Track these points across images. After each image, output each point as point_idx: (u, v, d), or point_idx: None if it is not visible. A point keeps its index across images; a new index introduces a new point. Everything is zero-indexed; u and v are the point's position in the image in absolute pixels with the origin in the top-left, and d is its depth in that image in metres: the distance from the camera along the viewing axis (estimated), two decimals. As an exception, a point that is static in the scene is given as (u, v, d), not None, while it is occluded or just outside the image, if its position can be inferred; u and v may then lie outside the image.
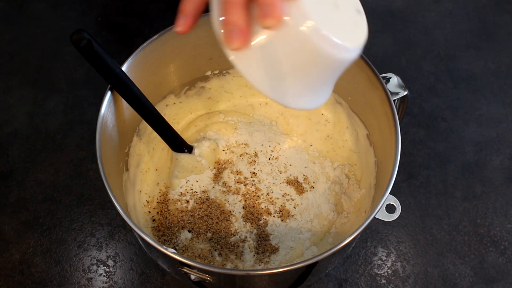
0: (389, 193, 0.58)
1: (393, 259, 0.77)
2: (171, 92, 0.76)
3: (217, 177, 0.75)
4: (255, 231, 0.71)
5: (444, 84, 0.92)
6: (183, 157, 0.73)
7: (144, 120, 0.66)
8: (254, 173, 0.75)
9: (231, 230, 0.70)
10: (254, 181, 0.74)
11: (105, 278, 0.74)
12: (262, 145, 0.78)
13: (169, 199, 0.73)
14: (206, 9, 0.69)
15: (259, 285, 0.60)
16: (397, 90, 0.68)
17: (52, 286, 0.74)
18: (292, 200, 0.73)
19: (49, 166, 0.83)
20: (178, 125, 0.79)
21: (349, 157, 0.76)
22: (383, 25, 0.99)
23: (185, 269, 0.55)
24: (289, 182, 0.75)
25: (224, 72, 0.78)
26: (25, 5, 1.01)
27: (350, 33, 0.50)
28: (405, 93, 0.69)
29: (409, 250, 0.77)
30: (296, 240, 0.70)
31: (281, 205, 0.73)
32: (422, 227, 0.79)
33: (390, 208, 0.62)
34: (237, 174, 0.75)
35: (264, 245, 0.70)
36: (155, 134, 0.76)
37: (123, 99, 0.64)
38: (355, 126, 0.75)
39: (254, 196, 0.73)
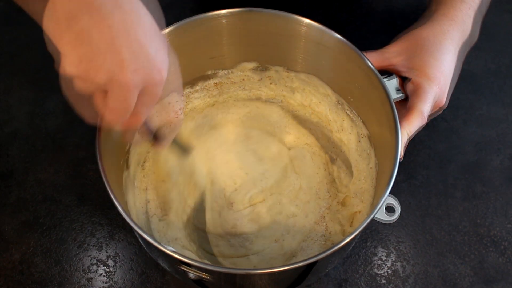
0: (389, 194, 0.58)
1: (393, 259, 0.76)
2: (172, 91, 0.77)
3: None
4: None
5: (444, 84, 0.92)
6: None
7: None
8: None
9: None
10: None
11: (105, 278, 0.74)
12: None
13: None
14: (206, 8, 0.69)
15: (258, 284, 0.60)
16: (398, 90, 0.69)
17: (52, 286, 0.74)
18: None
19: (49, 166, 0.83)
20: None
21: (350, 158, 0.76)
22: (383, 25, 0.99)
23: (184, 268, 0.55)
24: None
25: (225, 71, 0.78)
26: (25, 5, 1.00)
27: None
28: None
29: (409, 250, 0.77)
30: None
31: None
32: (422, 227, 0.79)
33: (389, 209, 0.62)
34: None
35: None
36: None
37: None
38: (356, 126, 0.75)
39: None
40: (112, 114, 0.49)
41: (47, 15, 0.45)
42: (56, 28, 0.45)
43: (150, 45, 0.47)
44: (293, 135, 0.80)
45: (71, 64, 0.45)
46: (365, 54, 0.67)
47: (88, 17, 0.43)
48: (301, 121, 0.80)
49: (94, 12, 0.43)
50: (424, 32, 0.68)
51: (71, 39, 0.44)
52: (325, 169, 0.77)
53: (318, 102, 0.78)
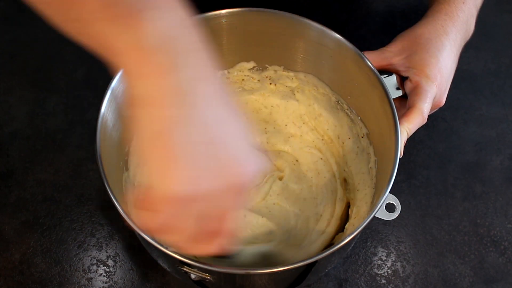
0: (389, 192, 0.58)
1: (393, 259, 0.76)
2: None
3: None
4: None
5: (444, 84, 0.92)
6: None
7: None
8: None
9: None
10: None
11: (105, 278, 0.74)
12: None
13: None
14: (205, 8, 0.69)
15: (258, 284, 0.60)
16: (397, 89, 0.69)
17: (52, 286, 0.74)
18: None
19: (49, 166, 0.83)
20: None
21: (349, 156, 0.76)
22: (383, 25, 0.99)
23: (186, 268, 0.55)
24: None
25: (224, 71, 0.78)
26: (25, 5, 1.00)
27: None
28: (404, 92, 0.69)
29: (409, 250, 0.77)
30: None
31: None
32: (422, 227, 0.79)
33: (390, 207, 0.62)
34: None
35: None
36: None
37: (122, 99, 0.65)
38: (355, 125, 0.75)
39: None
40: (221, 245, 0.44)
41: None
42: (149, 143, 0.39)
43: (247, 152, 0.41)
44: (297, 137, 0.80)
45: (177, 184, 0.38)
46: (364, 54, 0.67)
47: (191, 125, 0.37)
48: (304, 122, 0.80)
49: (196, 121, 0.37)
50: (426, 31, 0.68)
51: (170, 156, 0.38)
52: (328, 171, 0.77)
53: (318, 102, 0.78)
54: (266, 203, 0.74)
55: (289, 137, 0.80)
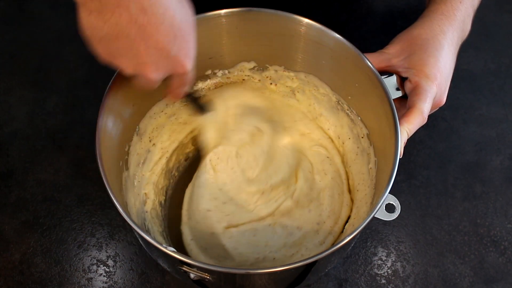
0: (389, 193, 0.58)
1: (393, 259, 0.76)
2: None
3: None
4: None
5: (444, 84, 0.92)
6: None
7: None
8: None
9: None
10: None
11: (105, 278, 0.74)
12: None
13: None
14: (205, 8, 0.69)
15: (258, 284, 0.60)
16: (397, 89, 0.69)
17: (52, 286, 0.74)
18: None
19: (49, 166, 0.83)
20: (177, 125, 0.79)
21: (349, 156, 0.76)
22: (383, 24, 0.99)
23: (185, 268, 0.55)
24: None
25: (224, 71, 0.78)
26: (25, 5, 1.01)
27: None
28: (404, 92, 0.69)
29: (409, 250, 0.77)
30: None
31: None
32: (422, 227, 0.79)
33: (389, 208, 0.62)
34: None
35: None
36: (156, 132, 0.76)
37: (122, 99, 0.65)
38: (355, 125, 0.75)
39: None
40: (139, 89, 0.56)
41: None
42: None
43: (171, 48, 0.51)
44: (306, 135, 0.80)
45: (101, 54, 0.51)
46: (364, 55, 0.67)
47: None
48: (309, 120, 0.80)
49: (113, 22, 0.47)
50: (423, 32, 0.68)
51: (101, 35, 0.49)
52: (334, 171, 0.77)
53: (319, 102, 0.78)
54: (263, 223, 0.73)
55: (299, 135, 0.80)
